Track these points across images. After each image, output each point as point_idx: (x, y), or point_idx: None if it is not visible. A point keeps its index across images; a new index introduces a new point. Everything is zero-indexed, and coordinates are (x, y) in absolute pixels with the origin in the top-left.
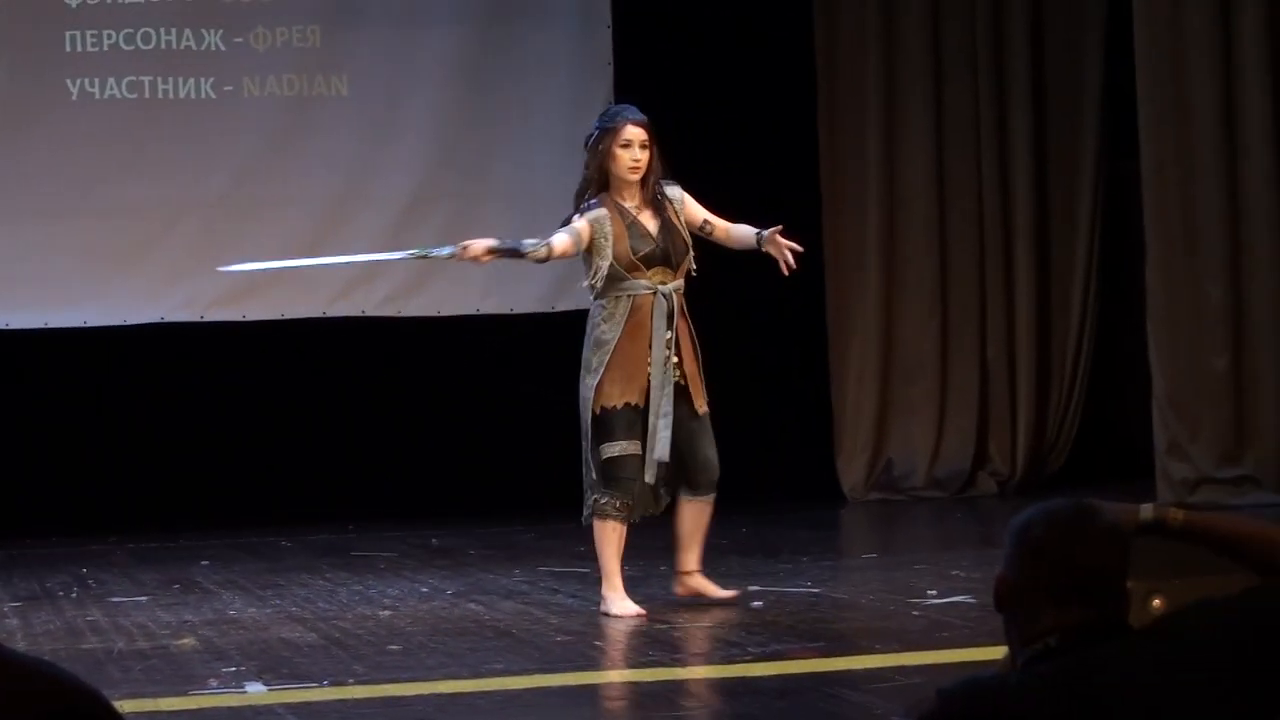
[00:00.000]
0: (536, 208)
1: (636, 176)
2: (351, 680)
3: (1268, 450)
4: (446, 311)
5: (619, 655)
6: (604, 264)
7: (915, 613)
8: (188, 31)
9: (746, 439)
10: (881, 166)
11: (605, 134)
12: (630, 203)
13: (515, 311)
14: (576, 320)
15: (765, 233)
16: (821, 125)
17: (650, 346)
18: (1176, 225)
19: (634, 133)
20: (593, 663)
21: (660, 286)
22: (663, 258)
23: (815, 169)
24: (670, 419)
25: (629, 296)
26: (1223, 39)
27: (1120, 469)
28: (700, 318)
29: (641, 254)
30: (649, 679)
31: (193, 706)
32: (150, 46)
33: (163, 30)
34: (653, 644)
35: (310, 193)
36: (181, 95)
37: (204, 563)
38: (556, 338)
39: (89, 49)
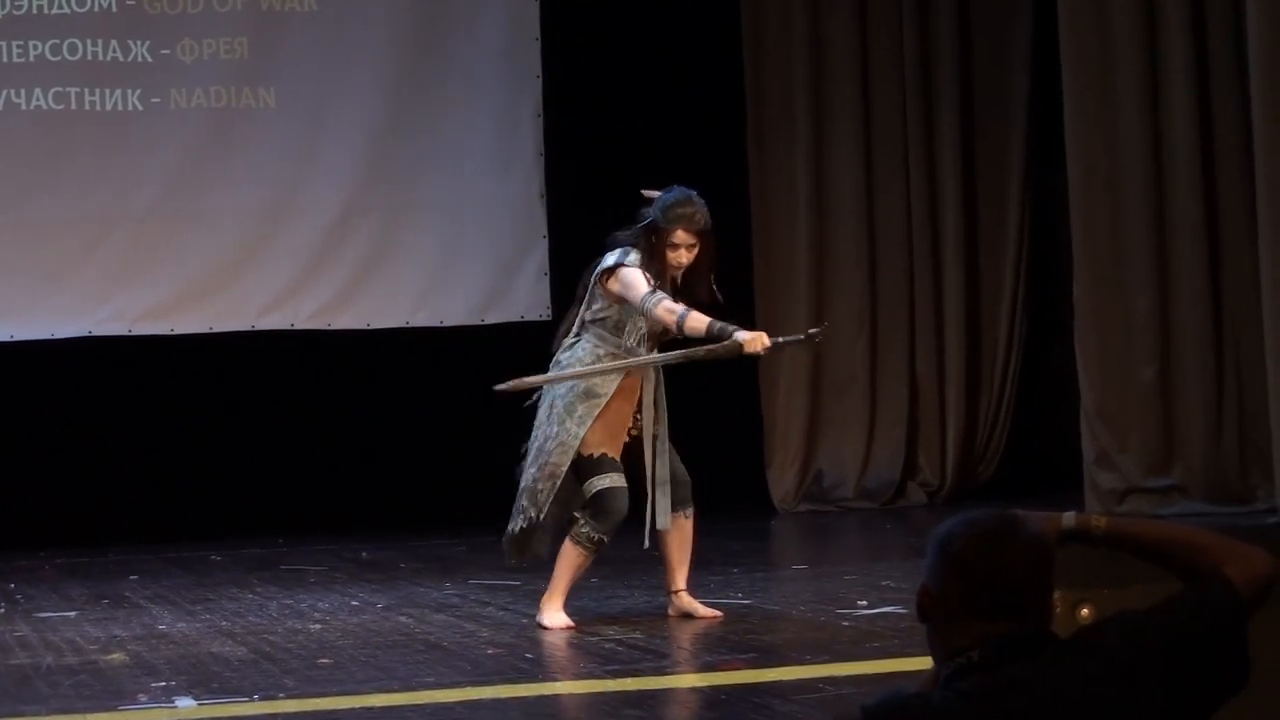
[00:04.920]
0: (465, 219)
1: (677, 272)
2: (282, 694)
3: (1195, 460)
4: (376, 324)
5: (551, 667)
6: (643, 325)
7: (845, 623)
8: (114, 43)
9: (678, 450)
10: (810, 182)
11: (660, 231)
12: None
13: (445, 324)
14: (507, 332)
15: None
16: (751, 141)
17: (639, 410)
18: (1104, 237)
19: (689, 237)
20: (524, 675)
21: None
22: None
23: (745, 185)
24: (668, 486)
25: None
26: (1149, 52)
27: (1049, 479)
28: None
29: (659, 330)
30: (580, 691)
31: None
32: (77, 57)
33: (89, 41)
34: (584, 656)
35: (239, 205)
36: (108, 107)
37: (133, 577)
38: (486, 350)
39: (15, 59)
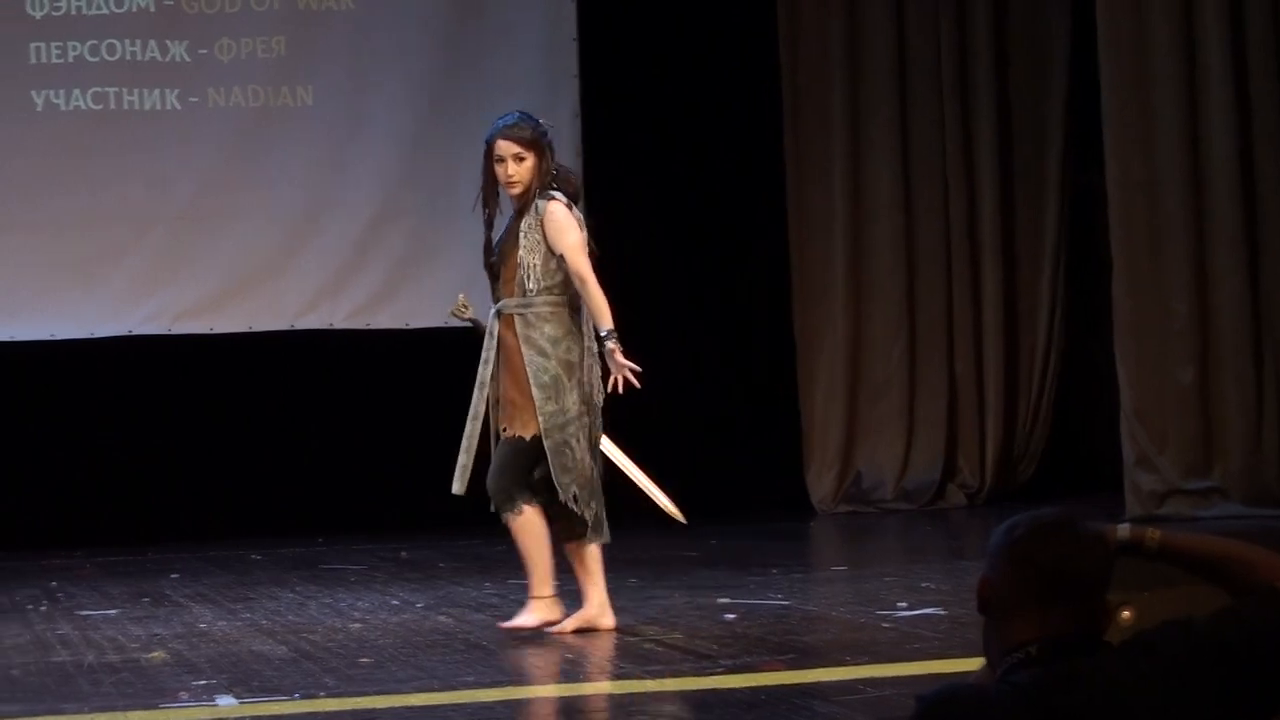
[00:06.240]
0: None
1: (515, 193)
2: (322, 693)
3: (1235, 462)
4: (415, 324)
5: (591, 668)
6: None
7: (885, 625)
8: (153, 43)
9: (717, 453)
10: (848, 184)
11: (487, 149)
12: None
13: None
14: None
15: (608, 345)
16: (788, 144)
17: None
18: (1142, 239)
19: (505, 147)
20: (565, 675)
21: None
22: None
23: (782, 187)
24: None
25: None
26: (1188, 54)
27: (1089, 481)
28: (673, 334)
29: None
30: (620, 691)
31: None
32: (115, 58)
33: (128, 42)
34: (623, 656)
35: (277, 204)
36: (147, 106)
37: (173, 576)
38: None
39: (54, 60)
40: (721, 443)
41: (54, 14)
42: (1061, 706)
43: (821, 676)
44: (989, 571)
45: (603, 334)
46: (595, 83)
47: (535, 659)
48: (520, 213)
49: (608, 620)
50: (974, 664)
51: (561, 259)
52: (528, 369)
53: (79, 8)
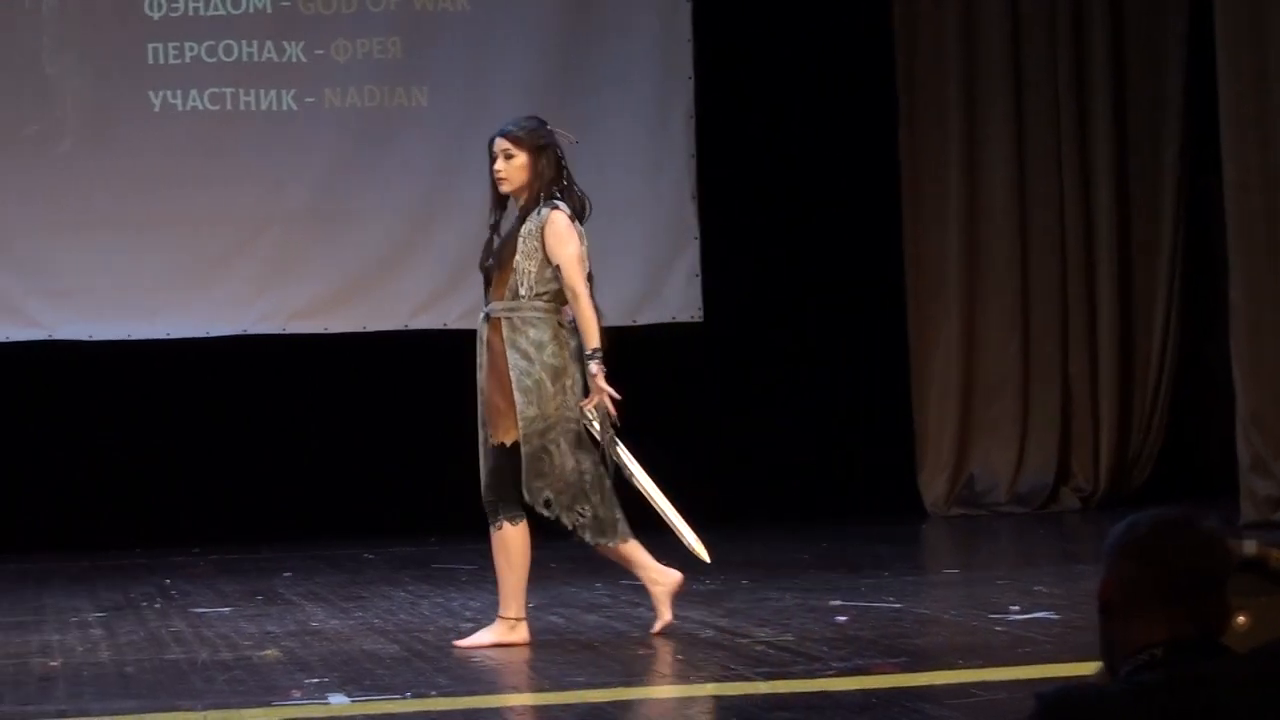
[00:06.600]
0: (616, 220)
1: (504, 190)
2: (434, 692)
3: None
4: None
5: (701, 669)
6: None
7: (998, 628)
8: (269, 43)
9: (829, 454)
10: (962, 181)
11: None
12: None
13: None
14: (657, 333)
15: (591, 366)
16: (902, 140)
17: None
18: (1260, 239)
19: (498, 144)
20: (676, 677)
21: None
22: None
23: (897, 187)
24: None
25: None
26: None
27: (1204, 485)
28: (785, 334)
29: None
30: (732, 693)
31: (276, 718)
32: (232, 58)
33: (244, 42)
34: (734, 658)
35: (392, 204)
36: (263, 107)
37: (286, 574)
38: (639, 350)
39: (171, 61)
40: (834, 444)
41: (171, 15)
42: (1188, 710)
43: (933, 680)
44: (1110, 572)
45: (588, 353)
46: (709, 83)
47: (647, 659)
48: (522, 218)
49: (672, 576)
50: (1086, 668)
51: (558, 269)
52: (510, 373)
53: (196, 9)
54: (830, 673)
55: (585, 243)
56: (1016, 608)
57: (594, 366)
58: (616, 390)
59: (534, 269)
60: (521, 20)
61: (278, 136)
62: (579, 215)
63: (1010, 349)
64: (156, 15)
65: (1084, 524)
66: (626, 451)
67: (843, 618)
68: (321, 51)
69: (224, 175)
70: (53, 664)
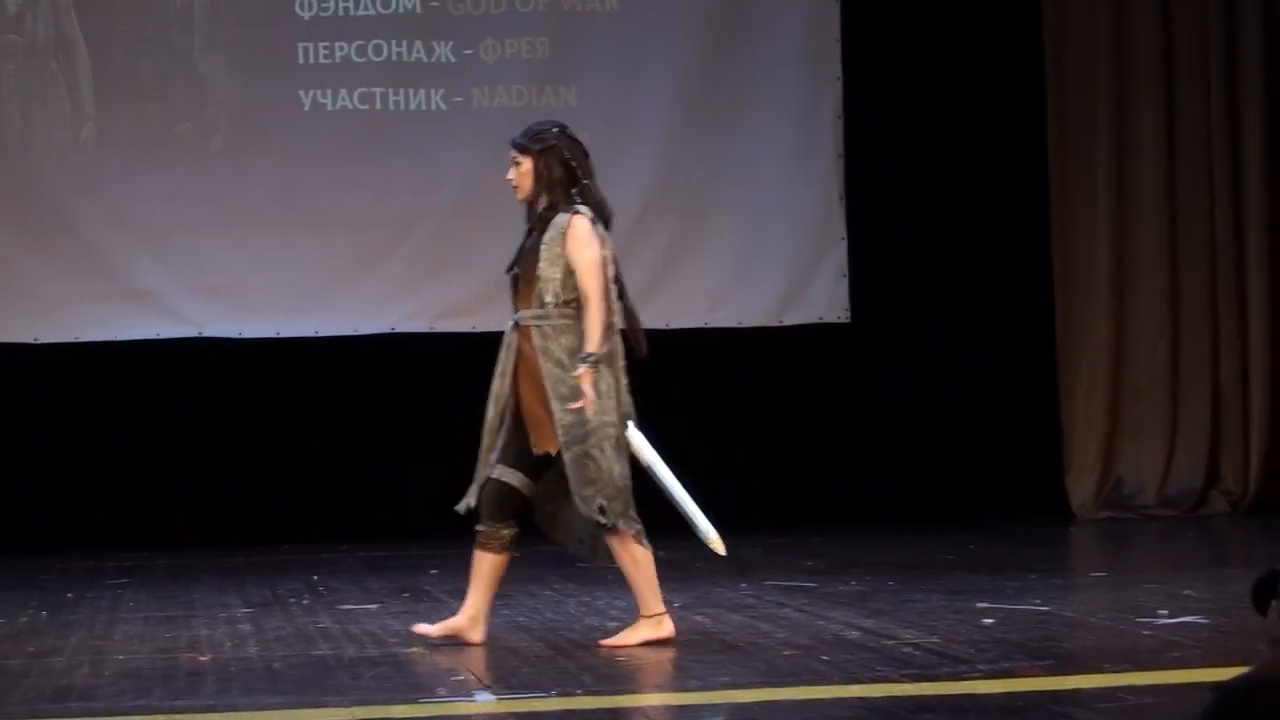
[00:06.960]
0: (763, 220)
1: (518, 198)
2: (579, 691)
3: None
4: (675, 324)
5: (847, 670)
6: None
7: (1145, 632)
8: (419, 44)
9: (975, 455)
10: (1111, 181)
11: None
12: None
13: (743, 325)
14: (804, 333)
15: (580, 368)
16: (1051, 140)
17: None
18: None
19: (512, 154)
20: (820, 677)
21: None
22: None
23: (1045, 186)
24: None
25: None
26: None
27: None
28: (933, 334)
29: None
30: (877, 695)
31: (422, 715)
32: (381, 58)
33: (394, 43)
34: (880, 660)
35: None
36: (412, 107)
37: (433, 571)
38: (784, 351)
39: (321, 61)
40: (981, 445)
41: (322, 14)
42: None
43: (1080, 683)
44: None
45: (581, 354)
46: (857, 84)
47: (792, 660)
48: (544, 225)
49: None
50: (1234, 674)
51: None
52: (545, 381)
53: (346, 9)
54: (976, 675)
55: (609, 247)
56: (1165, 612)
57: (582, 369)
58: (752, 390)
59: (558, 276)
60: (670, 20)
61: (427, 136)
62: (600, 216)
63: (1159, 350)
64: (307, 15)
65: (1233, 528)
66: (644, 440)
67: (989, 620)
68: (470, 51)
69: (372, 175)
70: (201, 659)
